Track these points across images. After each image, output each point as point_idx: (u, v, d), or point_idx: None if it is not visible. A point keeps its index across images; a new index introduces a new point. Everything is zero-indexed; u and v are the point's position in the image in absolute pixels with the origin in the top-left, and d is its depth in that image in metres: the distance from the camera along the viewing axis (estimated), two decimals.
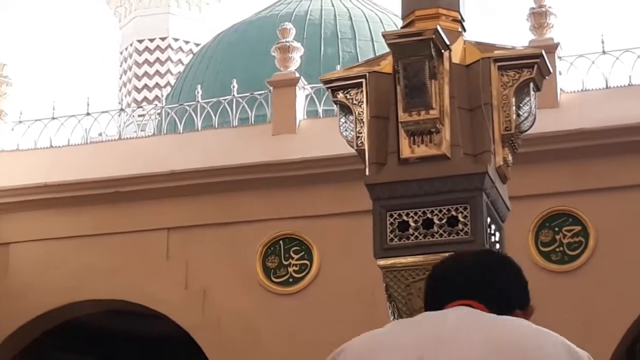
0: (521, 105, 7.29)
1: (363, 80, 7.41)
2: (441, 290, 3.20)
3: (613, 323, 13.72)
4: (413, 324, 3.08)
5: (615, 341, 13.77)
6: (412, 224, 6.71)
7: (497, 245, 6.87)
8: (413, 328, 3.01)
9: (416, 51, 7.10)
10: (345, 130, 7.49)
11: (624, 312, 13.88)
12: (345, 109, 7.48)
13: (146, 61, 36.86)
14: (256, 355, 14.81)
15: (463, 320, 2.94)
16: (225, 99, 17.00)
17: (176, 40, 37.04)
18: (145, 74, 36.64)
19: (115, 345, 18.17)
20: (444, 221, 6.32)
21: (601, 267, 14.07)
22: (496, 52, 7.37)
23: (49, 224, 16.07)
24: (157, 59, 36.81)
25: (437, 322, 2.96)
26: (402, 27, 7.58)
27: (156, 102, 28.17)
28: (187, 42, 36.74)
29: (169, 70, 36.09)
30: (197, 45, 32.91)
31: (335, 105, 7.62)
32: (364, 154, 7.29)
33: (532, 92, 7.33)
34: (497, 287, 3.16)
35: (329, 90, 7.62)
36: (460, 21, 7.55)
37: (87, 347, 17.92)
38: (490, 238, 6.77)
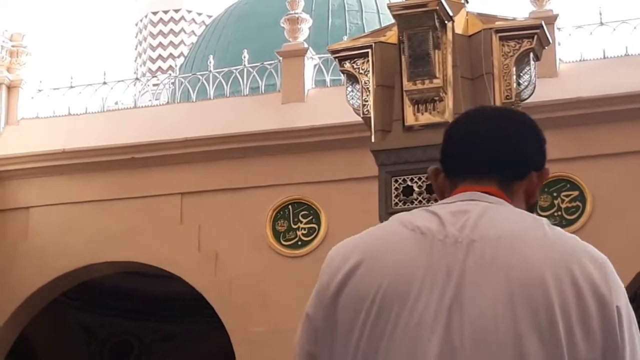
0: (521, 74, 7.26)
1: (369, 50, 7.38)
2: (459, 147, 3.07)
3: None
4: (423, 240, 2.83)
5: None
6: (416, 189, 6.68)
7: None
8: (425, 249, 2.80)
9: (420, 22, 7.06)
10: (352, 98, 7.47)
11: (620, 275, 13.84)
12: (352, 78, 7.45)
13: (160, 32, 36.82)
14: (266, 315, 14.80)
15: (480, 247, 2.75)
16: (236, 69, 16.95)
17: (189, 12, 36.97)
18: (160, 44, 36.61)
19: (131, 304, 18.19)
20: None
21: (597, 230, 14.03)
22: (497, 23, 7.33)
23: (67, 189, 16.05)
24: (171, 30, 36.77)
25: (450, 248, 2.76)
26: None
27: (170, 71, 28.09)
28: (199, 14, 36.67)
29: (182, 41, 36.06)
30: (210, 17, 32.80)
31: (342, 75, 7.59)
32: (370, 122, 7.27)
33: (532, 62, 7.30)
34: (520, 143, 3.03)
35: (337, 60, 7.59)
36: None
37: (102, 308, 17.93)
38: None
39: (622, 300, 2.82)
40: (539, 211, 14.33)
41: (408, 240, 2.84)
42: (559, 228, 2.88)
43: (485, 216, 2.83)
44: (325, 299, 2.88)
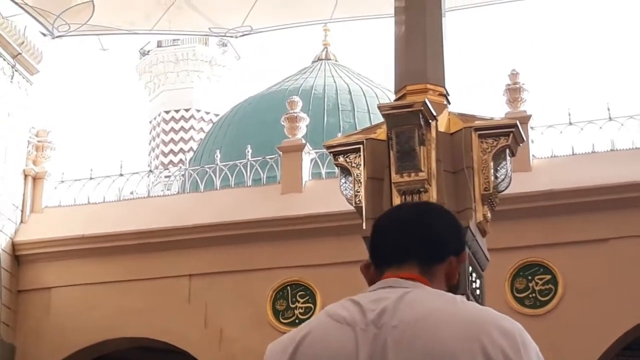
0: (498, 168, 7.26)
1: (361, 146, 7.39)
2: (382, 238, 3.08)
3: None
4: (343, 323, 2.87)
5: None
6: None
7: (478, 292, 6.82)
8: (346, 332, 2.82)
9: (407, 121, 7.08)
10: (345, 189, 7.46)
11: (588, 351, 13.79)
12: (345, 171, 7.45)
13: (172, 129, 36.97)
14: None
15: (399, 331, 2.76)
16: (240, 162, 17.04)
17: (198, 111, 37.17)
18: (171, 140, 36.74)
19: None
20: None
21: (569, 311, 14.02)
22: (476, 122, 7.35)
23: (85, 271, 16.05)
24: (182, 127, 36.92)
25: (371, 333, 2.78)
26: (395, 100, 7.57)
27: (180, 164, 28.18)
28: (207, 113, 36.86)
29: (191, 137, 36.19)
30: (216, 115, 32.98)
31: (336, 168, 7.60)
32: (362, 211, 7.26)
33: (507, 157, 7.31)
34: (436, 232, 3.02)
35: (331, 154, 7.60)
36: (445, 95, 7.55)
37: None
38: (471, 285, 6.71)
39: None
40: (516, 293, 14.32)
41: (335, 331, 2.84)
42: (472, 303, 2.87)
43: (402, 301, 2.81)
44: None
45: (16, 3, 12.86)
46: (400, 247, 3.01)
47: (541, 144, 15.54)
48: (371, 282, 3.05)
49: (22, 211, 16.74)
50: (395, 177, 7.10)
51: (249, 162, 16.90)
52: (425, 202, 6.33)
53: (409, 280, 2.90)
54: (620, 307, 13.63)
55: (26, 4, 12.93)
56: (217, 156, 17.48)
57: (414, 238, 3.01)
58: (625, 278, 13.93)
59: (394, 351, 2.73)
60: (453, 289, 3.02)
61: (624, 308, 13.69)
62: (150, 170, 19.86)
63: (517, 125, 7.36)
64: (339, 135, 14.74)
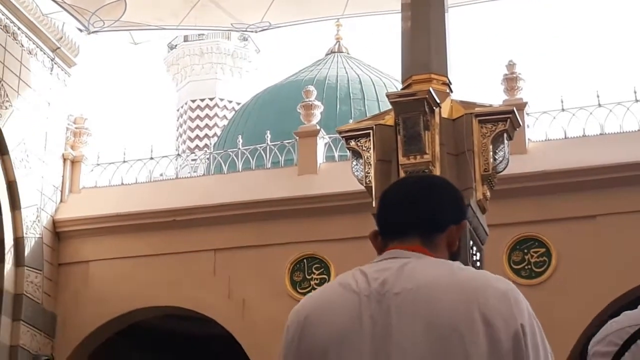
0: (497, 151, 7.25)
1: (370, 131, 7.38)
2: (386, 212, 3.08)
3: (570, 328, 13.59)
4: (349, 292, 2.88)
5: (572, 343, 13.66)
6: None
7: (478, 264, 6.81)
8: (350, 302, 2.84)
9: (413, 108, 7.08)
10: (357, 171, 7.46)
11: (580, 317, 13.77)
12: (356, 154, 7.44)
13: (197, 116, 37.01)
14: None
15: (404, 300, 2.76)
16: (260, 146, 17.01)
17: (221, 100, 37.19)
18: (197, 126, 36.78)
19: (172, 343, 18.07)
20: None
21: (561, 281, 14.00)
22: (477, 109, 7.33)
23: (120, 246, 16.07)
24: (207, 115, 36.95)
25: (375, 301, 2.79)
26: (401, 89, 7.56)
27: (205, 148, 28.23)
28: (230, 102, 36.87)
29: (215, 124, 36.22)
30: (238, 103, 32.98)
31: (348, 151, 7.59)
32: (372, 190, 7.26)
33: (505, 141, 7.29)
34: (436, 204, 3.01)
35: (344, 139, 7.59)
36: (448, 84, 7.53)
37: (149, 345, 17.83)
38: (472, 258, 6.71)
39: (525, 318, 2.76)
40: (513, 265, 14.30)
41: (343, 298, 2.86)
42: (468, 268, 2.87)
43: (404, 271, 2.82)
44: (290, 351, 2.91)
45: (55, 1, 12.87)
46: (403, 221, 3.01)
47: (536, 128, 15.49)
48: (379, 250, 3.05)
49: (61, 192, 16.76)
50: (402, 160, 7.09)
51: (268, 146, 16.88)
52: (428, 175, 6.27)
53: (411, 251, 2.91)
54: (608, 277, 13.60)
55: (64, 2, 12.94)
56: (239, 141, 17.46)
57: (416, 211, 3.00)
58: (611, 251, 13.89)
59: (397, 316, 2.74)
60: (455, 256, 3.01)
61: (611, 278, 13.66)
62: (178, 154, 19.89)
63: (514, 112, 7.34)
64: (351, 121, 14.71)
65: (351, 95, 22.19)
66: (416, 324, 2.72)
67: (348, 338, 2.78)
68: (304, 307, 2.97)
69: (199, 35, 36.98)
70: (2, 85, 15.13)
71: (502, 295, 2.76)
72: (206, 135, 35.79)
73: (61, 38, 16.55)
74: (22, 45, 15.79)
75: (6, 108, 15.13)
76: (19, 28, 15.66)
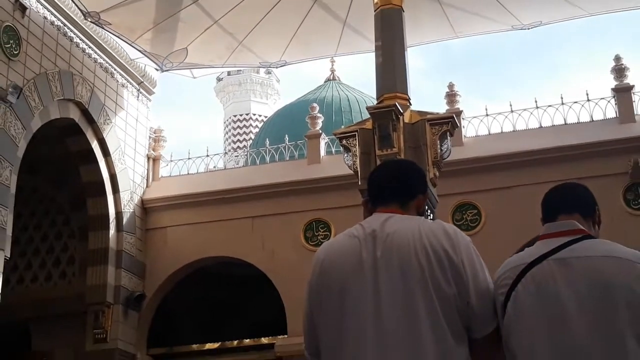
0: (442, 144, 7.27)
1: (356, 133, 7.42)
2: (374, 186, 3.08)
3: (495, 265, 13.56)
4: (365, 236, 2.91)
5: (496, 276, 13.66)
6: None
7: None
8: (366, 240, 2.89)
9: (385, 116, 7.11)
10: (348, 160, 7.50)
11: (501, 259, 13.70)
12: (347, 149, 7.48)
13: (238, 127, 36.97)
14: (303, 286, 14.70)
15: (395, 238, 2.82)
16: (282, 145, 17.01)
17: (254, 115, 37.13)
18: (238, 133, 36.74)
19: (223, 282, 18.00)
20: None
21: (489, 233, 14.01)
22: (428, 116, 7.36)
23: (188, 216, 16.08)
24: (244, 125, 36.92)
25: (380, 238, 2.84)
26: (377, 104, 7.59)
27: (244, 148, 28.21)
28: (260, 116, 36.81)
29: (250, 131, 36.16)
30: (266, 117, 32.95)
31: (341, 147, 7.63)
32: (358, 173, 7.30)
33: (448, 137, 7.32)
34: (408, 180, 3.04)
35: (338, 139, 7.63)
36: (408, 100, 7.56)
37: (208, 284, 17.79)
38: (428, 217, 6.74)
39: (464, 255, 2.82)
40: (455, 222, 14.30)
41: (348, 241, 2.91)
42: (428, 221, 2.91)
43: (387, 222, 2.87)
44: (312, 287, 2.97)
45: (139, 50, 12.88)
46: (386, 192, 3.03)
47: (469, 128, 15.52)
48: (369, 213, 3.06)
49: (146, 180, 16.78)
50: (378, 152, 7.14)
51: (287, 146, 16.90)
52: (403, 159, 6.27)
53: (392, 212, 2.95)
54: (519, 229, 13.54)
55: (145, 51, 12.95)
56: (267, 142, 17.49)
57: (395, 185, 3.02)
58: (522, 211, 13.89)
59: (380, 248, 2.81)
60: (421, 214, 3.06)
61: (522, 229, 13.62)
62: (225, 152, 19.90)
63: (454, 117, 7.38)
64: (342, 127, 14.74)
65: (342, 109, 22.25)
66: (392, 256, 2.79)
67: (353, 266, 2.83)
68: (322, 251, 3.01)
69: (237, 70, 36.88)
70: (104, 108, 15.17)
71: (449, 235, 2.83)
72: (244, 139, 35.81)
73: (144, 75, 16.56)
74: (117, 81, 15.82)
75: (107, 124, 15.18)
76: (115, 69, 15.68)
